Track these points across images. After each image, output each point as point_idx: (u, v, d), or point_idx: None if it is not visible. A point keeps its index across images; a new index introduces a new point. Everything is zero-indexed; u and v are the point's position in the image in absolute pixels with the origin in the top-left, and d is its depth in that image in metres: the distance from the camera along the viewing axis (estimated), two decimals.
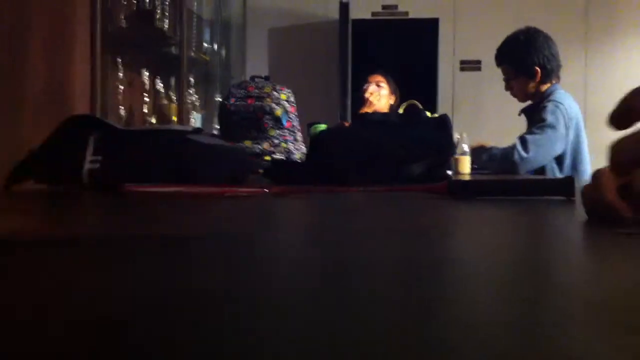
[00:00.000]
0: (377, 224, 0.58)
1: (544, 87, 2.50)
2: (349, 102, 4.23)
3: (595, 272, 0.34)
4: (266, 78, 2.00)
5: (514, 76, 2.54)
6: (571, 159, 2.43)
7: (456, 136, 2.06)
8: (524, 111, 2.60)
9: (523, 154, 2.32)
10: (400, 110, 2.64)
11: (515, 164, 2.32)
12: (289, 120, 1.89)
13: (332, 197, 0.85)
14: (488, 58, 3.03)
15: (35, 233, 0.48)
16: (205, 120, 3.73)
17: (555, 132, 2.36)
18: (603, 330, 0.21)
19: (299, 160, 1.83)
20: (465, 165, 2.14)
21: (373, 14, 4.62)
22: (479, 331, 0.20)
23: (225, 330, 0.20)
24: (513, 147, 2.35)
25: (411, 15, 4.55)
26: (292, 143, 1.89)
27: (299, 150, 1.90)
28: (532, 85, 2.51)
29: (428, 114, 1.90)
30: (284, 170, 1.27)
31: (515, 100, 2.65)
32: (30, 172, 0.91)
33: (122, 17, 2.88)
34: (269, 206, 0.74)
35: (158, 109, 3.25)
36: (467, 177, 1.88)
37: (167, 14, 3.16)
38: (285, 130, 1.88)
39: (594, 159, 2.36)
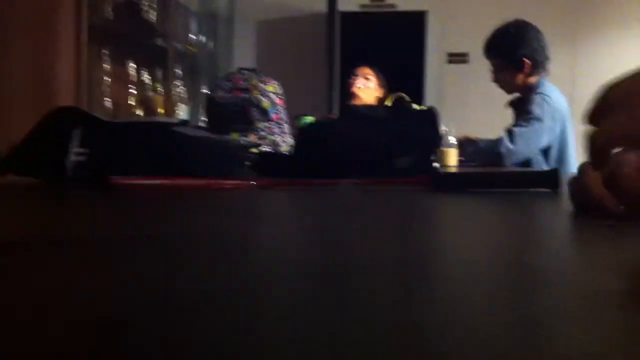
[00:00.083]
0: (360, 217, 0.58)
1: (532, 80, 2.50)
2: (336, 95, 4.23)
3: (586, 265, 0.34)
4: (254, 70, 1.99)
5: (502, 68, 2.54)
6: (557, 151, 2.44)
7: (443, 128, 2.06)
8: (511, 103, 2.61)
9: (509, 146, 2.33)
10: (388, 103, 2.64)
11: (501, 156, 2.32)
12: (276, 113, 1.88)
13: (318, 190, 0.85)
14: (476, 51, 3.03)
15: (16, 233, 0.47)
16: (192, 112, 3.71)
17: (541, 125, 2.37)
18: (601, 329, 0.21)
19: (286, 153, 1.82)
20: (452, 158, 2.14)
21: (361, 6, 4.62)
22: (478, 331, 0.21)
23: (225, 330, 0.20)
24: (500, 140, 2.35)
25: (399, 8, 4.55)
26: (279, 135, 1.88)
27: (286, 143, 1.89)
28: (520, 77, 2.51)
29: (415, 106, 1.90)
30: (271, 162, 1.27)
31: (502, 92, 2.65)
32: (12, 167, 0.90)
33: (109, 8, 2.86)
34: (255, 199, 0.74)
35: (144, 101, 3.24)
36: (453, 170, 1.89)
37: (154, 5, 3.14)
38: (273, 123, 1.87)
39: (580, 152, 2.37)
